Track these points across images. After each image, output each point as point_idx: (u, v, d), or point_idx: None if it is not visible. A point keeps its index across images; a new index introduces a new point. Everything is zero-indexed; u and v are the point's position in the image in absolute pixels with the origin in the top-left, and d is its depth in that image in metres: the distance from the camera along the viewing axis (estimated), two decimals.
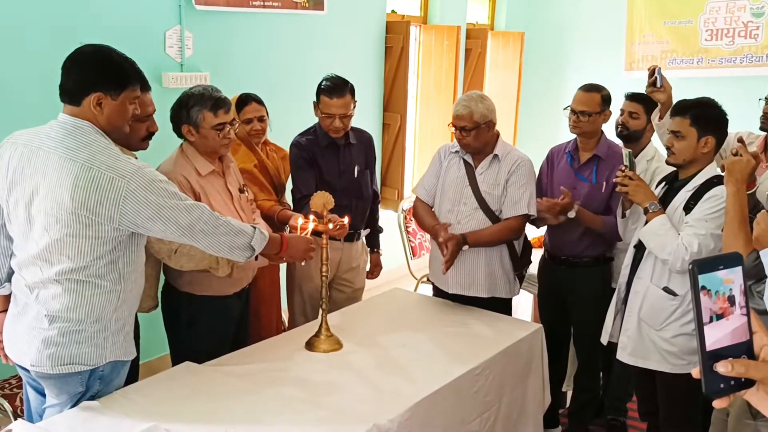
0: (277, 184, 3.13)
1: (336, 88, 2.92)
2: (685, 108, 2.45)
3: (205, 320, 2.56)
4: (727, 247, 2.12)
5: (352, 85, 2.98)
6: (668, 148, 2.51)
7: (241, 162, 2.90)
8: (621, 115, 3.07)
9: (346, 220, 2.59)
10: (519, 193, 2.86)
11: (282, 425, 1.93)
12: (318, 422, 1.94)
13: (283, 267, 3.19)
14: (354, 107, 3.00)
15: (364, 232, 3.25)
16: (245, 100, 3.03)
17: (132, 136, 2.20)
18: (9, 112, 2.94)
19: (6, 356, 2.07)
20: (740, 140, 2.46)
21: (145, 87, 2.21)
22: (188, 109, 2.46)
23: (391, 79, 5.09)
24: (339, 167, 3.06)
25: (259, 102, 3.05)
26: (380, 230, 3.39)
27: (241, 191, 2.65)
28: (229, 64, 3.90)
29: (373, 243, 3.38)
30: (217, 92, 2.50)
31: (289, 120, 3.55)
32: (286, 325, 3.29)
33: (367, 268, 3.36)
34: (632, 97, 3.07)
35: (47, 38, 3.04)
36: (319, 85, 2.97)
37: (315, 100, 3.00)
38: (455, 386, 2.29)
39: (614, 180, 2.61)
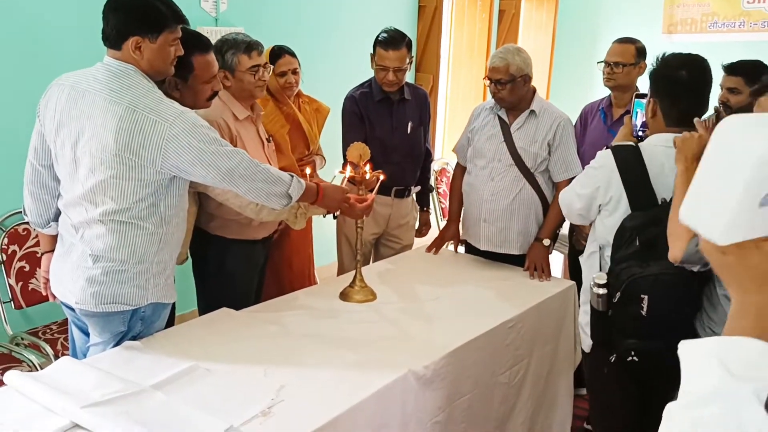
0: (309, 137, 3.12)
1: (392, 40, 2.91)
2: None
3: (233, 265, 2.61)
4: (673, 229, 1.85)
5: (409, 39, 2.96)
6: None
7: (268, 122, 2.87)
8: (720, 91, 2.74)
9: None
10: (570, 156, 2.83)
11: (319, 369, 1.95)
12: (354, 366, 1.97)
13: (317, 219, 3.21)
14: (410, 62, 2.98)
15: (415, 189, 3.25)
16: (278, 53, 2.99)
17: (198, 97, 2.23)
18: (50, 56, 2.98)
19: (53, 295, 2.13)
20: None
21: (204, 48, 2.20)
22: (223, 54, 2.48)
23: (423, 39, 5.04)
24: (392, 123, 3.06)
25: (292, 55, 3.03)
26: (431, 189, 3.39)
27: (268, 140, 2.69)
28: (263, 18, 3.89)
29: (423, 202, 3.39)
30: (248, 36, 2.53)
31: (319, 75, 3.54)
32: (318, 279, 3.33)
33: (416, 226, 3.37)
34: (730, 70, 2.75)
35: None
36: (377, 36, 2.96)
37: (371, 51, 2.99)
38: (489, 337, 2.30)
39: None
